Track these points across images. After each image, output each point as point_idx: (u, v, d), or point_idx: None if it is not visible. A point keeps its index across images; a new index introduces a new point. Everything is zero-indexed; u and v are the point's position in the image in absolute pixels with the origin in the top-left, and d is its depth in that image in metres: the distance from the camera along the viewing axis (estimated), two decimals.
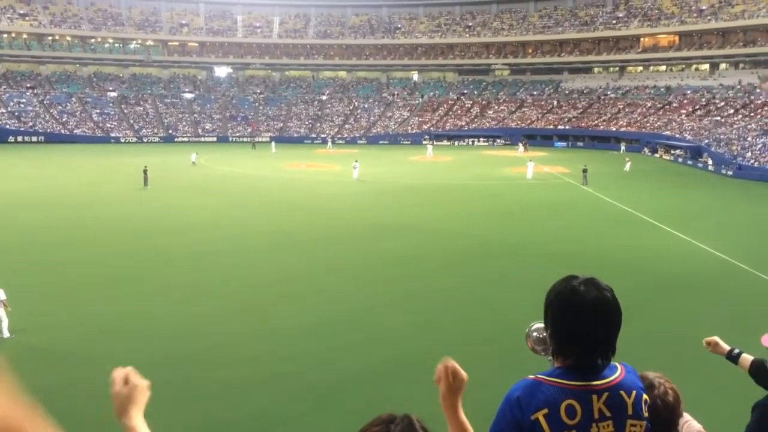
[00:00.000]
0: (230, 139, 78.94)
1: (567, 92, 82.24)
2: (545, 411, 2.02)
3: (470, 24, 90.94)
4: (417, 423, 1.83)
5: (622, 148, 63.84)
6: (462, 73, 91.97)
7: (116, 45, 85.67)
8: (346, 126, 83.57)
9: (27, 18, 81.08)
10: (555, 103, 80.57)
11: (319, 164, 51.53)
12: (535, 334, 2.43)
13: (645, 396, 2.17)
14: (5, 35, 79.15)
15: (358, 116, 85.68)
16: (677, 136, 61.39)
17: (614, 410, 2.08)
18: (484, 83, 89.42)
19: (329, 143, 71.99)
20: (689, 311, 15.48)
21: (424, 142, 72.64)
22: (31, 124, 72.58)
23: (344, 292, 16.75)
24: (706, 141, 55.13)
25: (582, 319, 2.06)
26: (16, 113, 73.22)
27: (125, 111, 79.88)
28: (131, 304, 15.38)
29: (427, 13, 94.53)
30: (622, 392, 2.10)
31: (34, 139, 70.04)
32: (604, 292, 2.08)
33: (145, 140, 75.71)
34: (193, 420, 9.98)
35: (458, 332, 13.78)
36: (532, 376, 2.12)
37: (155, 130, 78.57)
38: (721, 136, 54.66)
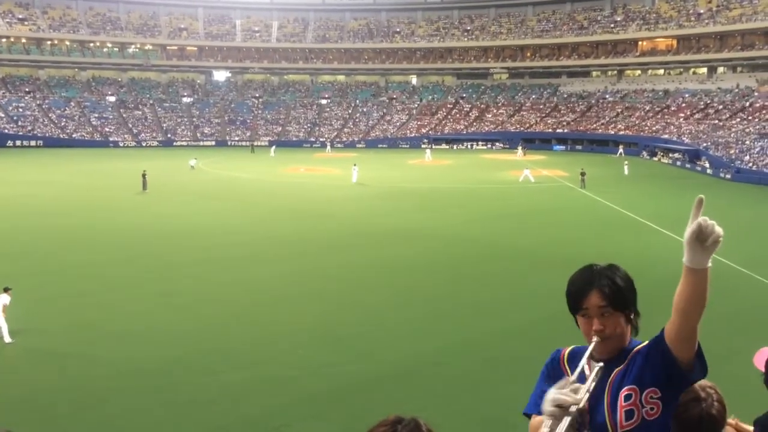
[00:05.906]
0: (229, 143, 79.00)
1: (565, 96, 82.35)
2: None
3: (468, 28, 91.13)
4: (424, 426, 1.82)
5: (619, 151, 63.64)
6: (460, 76, 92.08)
7: (115, 49, 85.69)
8: (345, 130, 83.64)
9: (26, 22, 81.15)
10: (553, 106, 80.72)
11: (319, 168, 51.54)
12: None
13: None
14: (4, 40, 79.18)
15: (357, 120, 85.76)
16: (675, 139, 61.46)
17: None
18: (483, 87, 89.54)
19: (328, 147, 72.03)
20: None
21: (422, 146, 72.68)
22: (29, 128, 72.59)
23: (344, 297, 16.74)
24: (704, 144, 55.21)
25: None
26: (15, 118, 73.21)
27: (124, 115, 79.90)
28: (131, 309, 15.36)
29: (426, 17, 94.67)
30: None
31: (33, 143, 70.06)
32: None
33: (143, 144, 75.70)
34: (192, 425, 9.97)
35: (460, 337, 13.77)
36: None
37: (154, 135, 78.61)
38: (719, 140, 54.77)
